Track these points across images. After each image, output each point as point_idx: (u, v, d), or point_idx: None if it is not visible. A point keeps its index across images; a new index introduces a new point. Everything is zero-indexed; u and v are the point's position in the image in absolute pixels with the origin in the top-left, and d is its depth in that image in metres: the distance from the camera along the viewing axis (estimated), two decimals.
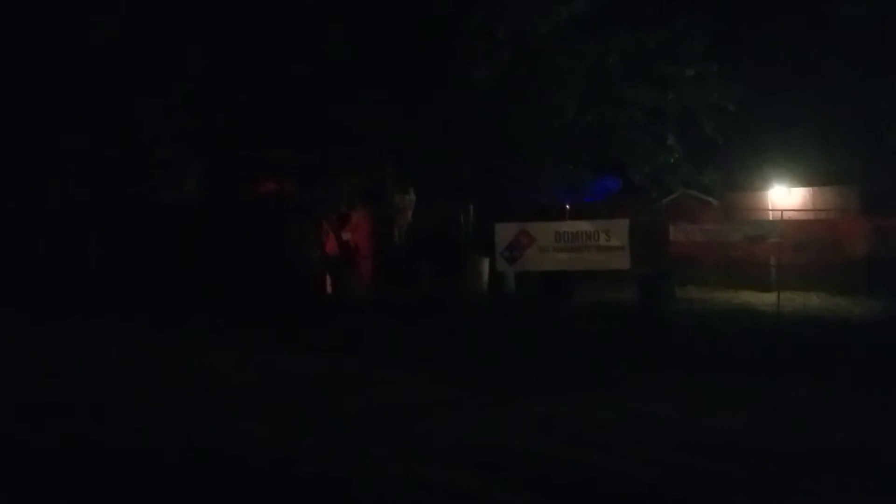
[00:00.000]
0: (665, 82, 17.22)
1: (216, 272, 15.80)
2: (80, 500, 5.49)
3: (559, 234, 15.87)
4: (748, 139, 19.43)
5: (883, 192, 16.92)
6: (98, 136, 16.27)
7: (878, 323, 13.40)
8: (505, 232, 16.20)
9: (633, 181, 19.50)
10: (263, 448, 6.48)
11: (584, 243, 15.68)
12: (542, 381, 9.16)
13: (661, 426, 7.08)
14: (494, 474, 5.82)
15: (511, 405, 7.94)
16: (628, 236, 15.46)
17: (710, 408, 7.77)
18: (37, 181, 16.50)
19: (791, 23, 18.28)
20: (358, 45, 15.78)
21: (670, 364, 9.95)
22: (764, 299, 15.76)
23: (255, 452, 6.35)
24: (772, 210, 17.97)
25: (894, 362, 9.71)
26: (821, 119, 18.45)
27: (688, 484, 5.62)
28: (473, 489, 5.51)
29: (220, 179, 17.56)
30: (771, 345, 11.50)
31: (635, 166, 18.54)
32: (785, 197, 18.78)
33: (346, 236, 17.38)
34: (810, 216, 17.35)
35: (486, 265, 16.97)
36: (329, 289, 16.73)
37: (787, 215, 16.42)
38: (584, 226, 15.85)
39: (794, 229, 15.69)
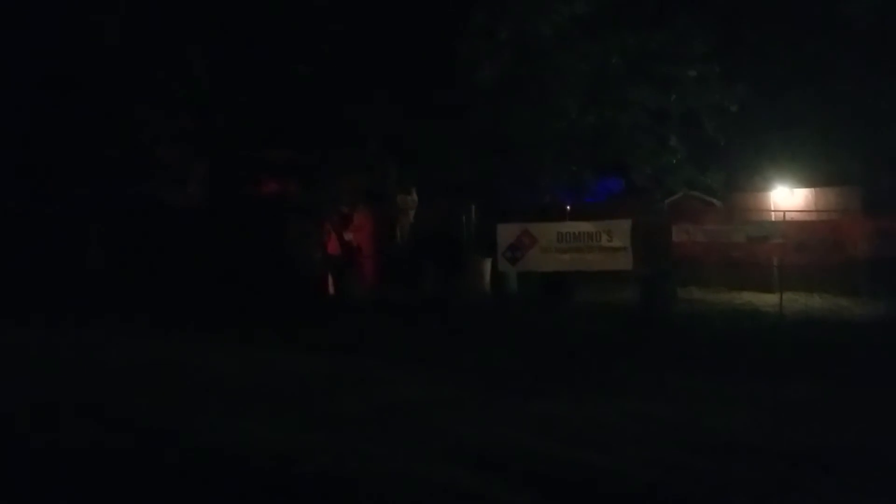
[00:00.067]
0: (667, 83, 17.21)
1: (218, 272, 15.81)
2: (80, 500, 5.49)
3: (561, 235, 15.90)
4: (750, 140, 19.40)
5: (885, 192, 16.88)
6: (99, 136, 16.28)
7: (880, 324, 13.35)
8: (507, 232, 16.22)
9: (635, 182, 19.48)
10: (264, 447, 6.48)
11: (587, 244, 15.70)
12: (543, 381, 9.15)
13: (662, 426, 7.07)
14: (495, 474, 5.82)
15: (512, 405, 7.94)
16: (630, 237, 15.47)
17: (711, 408, 7.76)
18: (38, 182, 16.50)
19: (793, 23, 18.25)
20: (360, 45, 15.79)
21: (672, 364, 9.94)
22: (766, 300, 15.73)
23: (255, 452, 6.35)
24: (774, 211, 17.92)
25: None
26: (823, 119, 18.41)
27: (688, 484, 5.61)
28: (474, 489, 5.51)
29: (222, 180, 17.57)
30: (773, 345, 11.48)
31: (637, 167, 18.53)
32: (787, 197, 18.73)
33: (348, 236, 17.39)
34: (813, 217, 17.31)
35: (487, 265, 16.98)
36: (331, 289, 16.74)
37: (789, 216, 16.36)
38: (586, 226, 15.86)
39: (797, 230, 15.64)
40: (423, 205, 18.98)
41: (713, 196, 19.46)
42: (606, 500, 5.44)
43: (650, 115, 17.57)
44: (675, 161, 18.02)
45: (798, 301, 15.55)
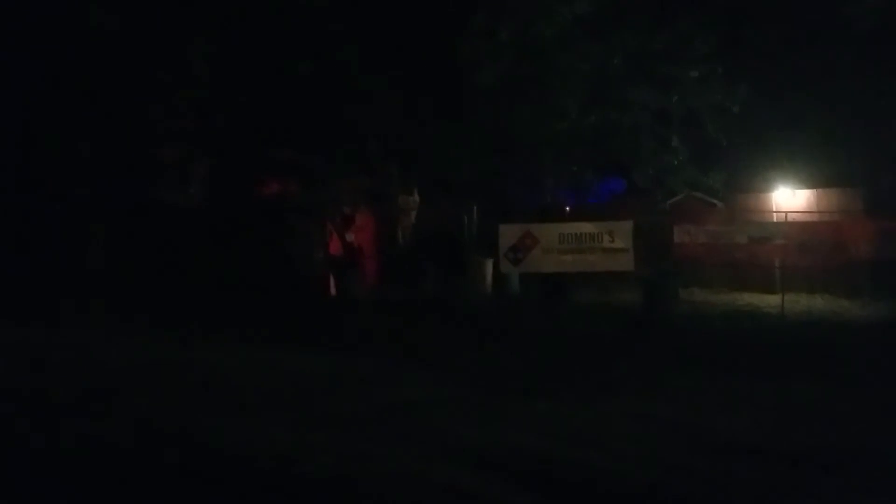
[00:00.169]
0: (669, 83, 17.21)
1: (220, 272, 15.81)
2: (81, 500, 5.50)
3: (563, 236, 15.92)
4: (752, 141, 19.38)
5: (887, 193, 16.86)
6: (100, 136, 16.29)
7: (882, 325, 13.34)
8: (509, 233, 16.24)
9: (636, 183, 19.49)
10: (265, 447, 6.48)
11: (588, 245, 15.73)
12: (544, 381, 9.14)
13: (663, 427, 7.06)
14: (495, 474, 5.82)
15: (513, 405, 7.94)
16: (632, 238, 15.48)
17: (712, 408, 7.76)
18: (38, 181, 16.51)
19: (794, 24, 18.24)
20: (361, 45, 15.80)
21: (673, 365, 9.94)
22: (768, 301, 15.73)
23: (256, 451, 6.36)
24: (776, 212, 17.91)
25: None
26: (825, 120, 18.40)
27: (688, 484, 5.61)
28: (474, 489, 5.51)
29: (224, 180, 17.58)
30: (774, 346, 11.47)
31: (639, 168, 18.53)
32: (789, 198, 18.71)
33: (349, 237, 17.42)
34: (815, 218, 17.30)
35: (489, 266, 16.99)
36: (332, 289, 16.76)
37: (791, 217, 16.35)
38: (588, 227, 15.90)
39: (799, 231, 15.63)
40: (425, 205, 18.99)
41: (715, 197, 19.45)
42: (607, 501, 5.43)
43: (652, 116, 17.57)
44: (676, 162, 18.02)
45: (800, 302, 15.55)
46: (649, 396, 8.24)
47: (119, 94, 15.94)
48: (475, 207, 18.29)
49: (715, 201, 19.66)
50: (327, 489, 5.63)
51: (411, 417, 7.43)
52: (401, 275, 17.95)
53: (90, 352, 11.02)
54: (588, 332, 12.86)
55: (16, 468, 6.13)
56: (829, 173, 18.54)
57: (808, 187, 18.79)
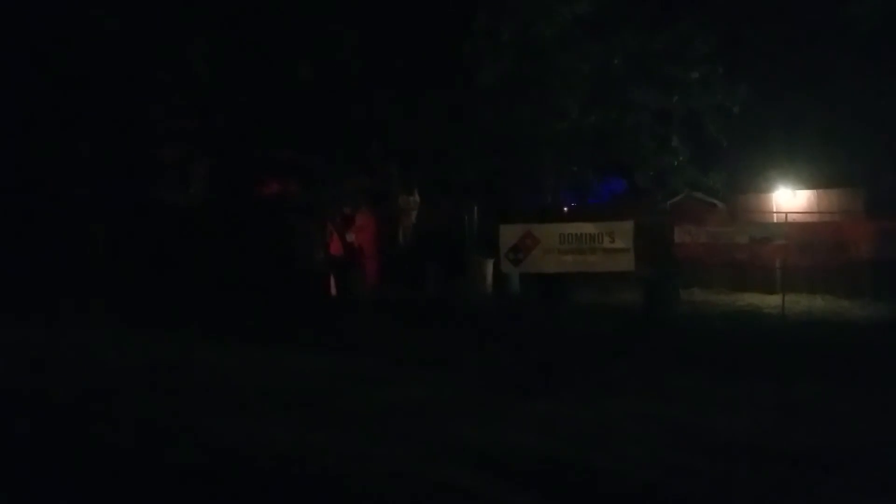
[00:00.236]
0: (669, 84, 17.19)
1: (220, 272, 15.83)
2: (81, 499, 5.50)
3: (564, 236, 15.92)
4: (753, 141, 19.38)
5: (888, 193, 16.83)
6: (101, 136, 16.30)
7: (883, 325, 13.34)
8: (509, 233, 16.24)
9: (637, 183, 19.48)
10: (266, 447, 6.49)
11: (589, 245, 15.72)
12: (545, 381, 9.15)
13: (663, 427, 7.06)
14: (496, 474, 5.83)
15: (514, 406, 7.94)
16: (633, 238, 15.48)
17: (713, 409, 7.75)
18: (39, 181, 16.52)
19: (795, 24, 18.24)
20: (362, 45, 15.79)
21: (673, 365, 9.94)
22: (769, 301, 15.74)
23: (257, 452, 6.37)
24: (777, 212, 17.90)
25: None
26: (825, 121, 18.40)
27: (689, 484, 5.61)
28: (474, 489, 5.52)
29: (224, 180, 17.58)
30: (775, 346, 11.46)
31: (640, 168, 18.52)
32: (790, 199, 18.71)
33: (350, 237, 17.43)
34: (815, 218, 17.29)
35: (490, 266, 17.00)
36: (333, 289, 16.77)
37: (792, 217, 16.33)
38: (588, 228, 15.89)
39: (800, 231, 15.61)
40: (426, 205, 18.99)
41: (715, 197, 19.45)
42: (607, 501, 5.44)
43: (652, 116, 17.56)
44: (676, 162, 17.99)
45: (800, 302, 15.55)
46: (650, 396, 8.24)
47: (119, 94, 15.93)
48: (475, 207, 18.29)
49: (715, 201, 19.66)
50: (328, 489, 5.64)
51: (412, 417, 7.44)
52: (401, 275, 17.96)
53: (90, 352, 11.05)
54: (588, 332, 12.87)
55: (16, 468, 6.13)
56: (829, 173, 18.53)
57: (809, 187, 18.79)
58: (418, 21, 15.58)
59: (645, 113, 17.30)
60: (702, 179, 18.64)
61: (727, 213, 19.04)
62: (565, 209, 19.27)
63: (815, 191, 18.68)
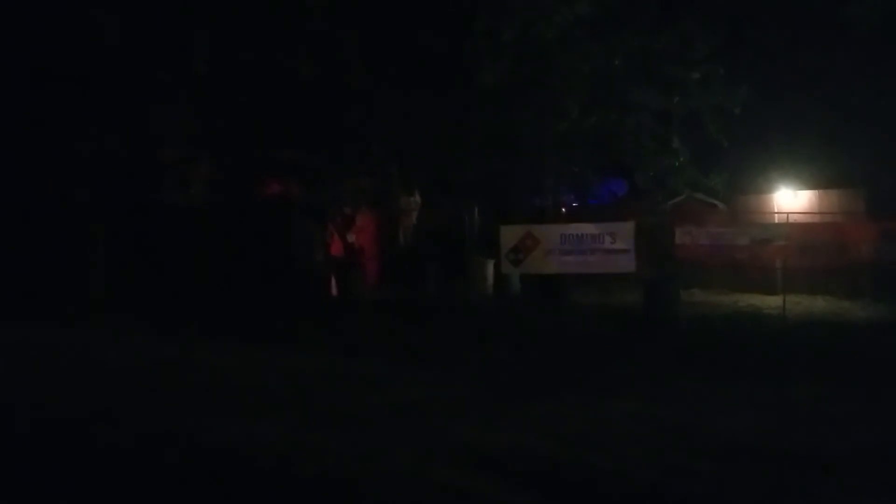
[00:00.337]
0: (670, 84, 17.19)
1: (222, 273, 15.82)
2: (81, 499, 5.51)
3: (564, 237, 15.89)
4: (753, 142, 19.37)
5: (889, 194, 16.83)
6: (102, 136, 16.29)
7: (883, 326, 13.33)
8: (510, 234, 16.22)
9: (638, 184, 19.48)
10: (268, 448, 6.49)
11: (590, 246, 15.69)
12: (545, 382, 9.15)
13: (664, 428, 7.06)
14: (496, 474, 5.82)
15: (514, 406, 7.95)
16: (634, 239, 15.47)
17: (713, 410, 7.76)
18: (40, 182, 16.51)
19: (796, 25, 18.25)
20: (363, 46, 15.80)
21: (674, 366, 9.94)
22: (769, 302, 15.73)
23: (259, 452, 6.37)
24: (777, 213, 17.91)
25: None
26: (826, 121, 18.40)
27: (689, 485, 5.61)
28: (474, 489, 5.52)
29: (225, 180, 17.57)
30: (775, 347, 11.46)
31: (641, 169, 18.52)
32: (791, 200, 18.72)
33: (351, 238, 17.43)
34: (816, 219, 17.29)
35: (490, 267, 17.00)
36: (334, 290, 16.76)
37: (792, 218, 16.34)
38: (589, 228, 15.87)
39: (800, 232, 15.61)
40: (426, 206, 18.99)
41: (716, 198, 19.46)
42: (607, 501, 5.44)
43: (653, 117, 17.56)
44: (677, 163, 18.00)
45: (801, 303, 15.54)
46: (650, 397, 8.24)
47: (120, 94, 15.93)
48: (476, 208, 18.29)
49: (716, 202, 19.67)
50: (328, 489, 5.64)
51: (412, 417, 7.44)
52: (402, 275, 17.97)
53: (89, 352, 11.04)
54: (589, 332, 12.87)
55: (16, 468, 6.13)
56: (830, 174, 18.54)
57: (810, 188, 18.80)
58: (419, 21, 15.58)
59: (645, 113, 17.30)
60: (702, 180, 18.65)
61: (728, 214, 19.06)
62: (563, 209, 19.25)
63: (815, 191, 18.69)
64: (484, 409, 7.84)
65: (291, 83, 16.02)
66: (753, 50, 18.52)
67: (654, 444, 6.55)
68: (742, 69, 17.47)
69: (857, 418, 7.44)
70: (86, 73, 15.62)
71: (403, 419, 7.39)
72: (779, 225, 16.51)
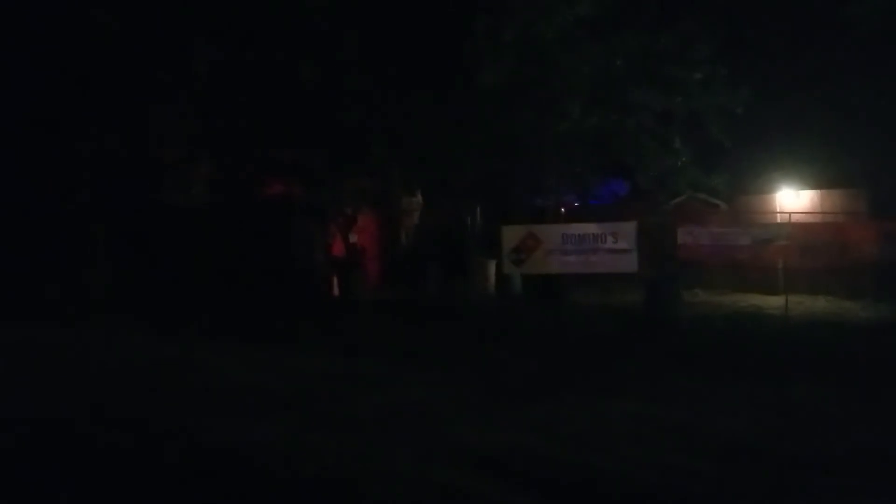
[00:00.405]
0: (672, 85, 17.16)
1: (223, 274, 15.83)
2: (82, 498, 5.51)
3: (566, 237, 15.88)
4: (755, 142, 19.36)
5: (890, 194, 16.83)
6: (103, 137, 16.30)
7: (885, 327, 13.31)
8: (511, 234, 16.20)
9: (639, 184, 19.46)
10: (267, 448, 6.50)
11: (592, 246, 15.68)
12: (546, 383, 9.15)
13: (665, 428, 7.06)
14: (496, 475, 5.83)
15: (514, 407, 7.94)
16: (636, 239, 15.46)
17: (714, 410, 7.75)
18: (41, 182, 16.53)
19: (797, 26, 18.24)
20: (364, 47, 15.80)
21: (675, 366, 9.93)
22: (771, 302, 15.72)
23: (259, 452, 6.38)
24: (779, 213, 17.90)
25: None
26: (828, 122, 18.38)
27: (689, 485, 5.61)
28: (475, 489, 5.52)
29: (227, 181, 17.58)
30: (777, 348, 11.44)
31: (642, 169, 18.49)
32: (792, 200, 18.73)
33: (352, 238, 17.43)
34: (818, 219, 17.28)
35: (492, 267, 17.00)
36: (336, 290, 16.78)
37: (794, 218, 16.34)
38: (591, 228, 15.85)
39: (802, 232, 15.61)
40: (428, 206, 18.99)
41: (718, 198, 19.44)
42: (607, 502, 5.44)
43: (654, 117, 17.53)
44: (679, 163, 17.96)
45: (803, 303, 15.53)
46: (651, 397, 8.24)
47: (120, 94, 15.94)
48: (478, 208, 18.29)
49: (718, 202, 19.66)
50: (327, 489, 5.64)
51: (412, 418, 7.44)
52: (403, 276, 17.98)
53: (89, 351, 11.06)
54: (590, 332, 12.86)
55: (15, 467, 6.15)
56: (832, 174, 18.53)
57: (812, 188, 18.80)
58: (419, 22, 15.57)
59: (647, 114, 17.26)
60: (704, 180, 18.61)
61: (730, 214, 19.05)
62: (562, 210, 19.24)
63: (817, 192, 18.70)
64: (484, 409, 7.84)
65: (292, 83, 16.02)
66: (755, 50, 18.51)
67: (655, 444, 6.55)
68: (744, 69, 17.43)
69: (857, 418, 7.43)
70: (86, 73, 15.63)
71: (404, 419, 7.39)
72: (780, 225, 16.51)
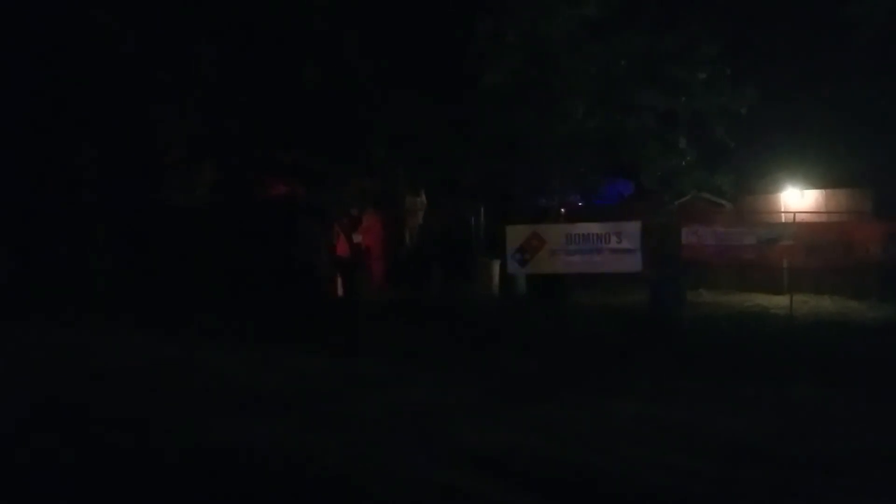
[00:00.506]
0: (676, 85, 17.15)
1: (227, 274, 15.86)
2: (83, 499, 5.53)
3: (570, 237, 15.83)
4: (760, 142, 19.34)
5: None
6: (107, 138, 16.35)
7: (890, 327, 13.27)
8: (515, 234, 16.17)
9: (644, 184, 19.45)
10: (267, 448, 6.51)
11: (596, 246, 15.64)
12: (548, 383, 9.15)
13: (667, 429, 7.05)
14: (499, 476, 5.84)
15: (517, 408, 7.95)
16: (640, 239, 15.43)
17: (717, 411, 7.75)
18: (44, 183, 16.59)
19: (801, 26, 18.21)
20: (369, 48, 15.82)
21: (679, 367, 9.91)
22: (776, 302, 15.67)
23: (258, 452, 6.38)
24: (784, 213, 17.86)
25: None
26: (833, 121, 18.35)
27: (690, 486, 5.61)
28: (476, 489, 5.53)
29: (231, 181, 17.62)
30: (781, 348, 11.39)
31: (647, 169, 18.48)
32: (797, 199, 18.67)
33: (357, 238, 17.35)
34: (823, 219, 17.23)
35: (496, 267, 16.97)
36: (340, 290, 16.76)
37: (799, 218, 16.29)
38: (595, 228, 15.81)
39: (807, 232, 15.55)
40: (432, 207, 18.99)
41: (722, 198, 19.41)
42: (607, 502, 5.44)
43: (658, 118, 17.52)
44: (684, 163, 17.96)
45: (808, 303, 15.48)
46: (653, 398, 8.23)
47: (124, 95, 15.98)
48: (482, 209, 18.29)
49: (723, 202, 19.62)
50: (328, 489, 5.65)
51: (414, 419, 7.45)
52: (408, 276, 17.96)
53: (91, 352, 11.09)
54: (593, 333, 12.83)
55: (16, 467, 6.16)
56: (837, 174, 18.49)
57: (817, 188, 18.74)
58: (423, 23, 15.59)
59: (651, 114, 17.26)
60: (709, 180, 18.62)
61: (734, 214, 19.00)
62: (571, 210, 19.22)
63: (822, 191, 18.64)
64: (486, 409, 7.84)
65: (296, 84, 16.05)
66: (759, 50, 18.48)
67: (656, 444, 6.55)
68: (748, 70, 17.43)
69: (860, 419, 7.42)
70: (87, 73, 15.67)
71: (406, 420, 7.39)
72: (785, 225, 16.46)
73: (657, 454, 6.25)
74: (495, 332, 12.83)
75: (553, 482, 5.71)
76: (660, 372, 9.59)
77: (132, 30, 15.57)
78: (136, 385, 9.06)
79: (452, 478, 5.74)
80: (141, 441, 6.80)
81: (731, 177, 18.61)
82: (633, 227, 15.52)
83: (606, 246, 15.60)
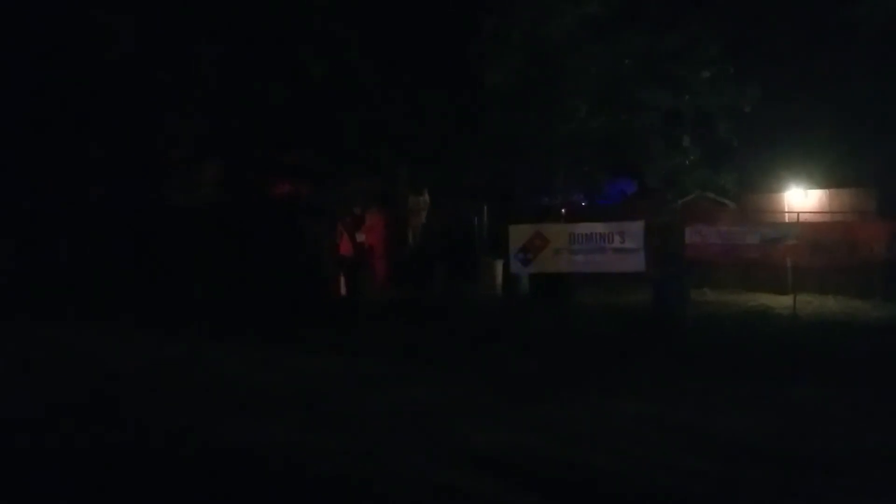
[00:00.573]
0: (680, 85, 17.15)
1: (231, 273, 15.86)
2: (86, 499, 5.53)
3: (573, 236, 15.83)
4: (764, 141, 19.30)
5: None
6: (110, 138, 16.37)
7: (894, 326, 13.23)
8: (519, 234, 16.16)
9: (648, 183, 19.44)
10: (270, 447, 6.51)
11: (599, 245, 15.62)
12: (553, 383, 9.13)
13: (668, 429, 7.04)
14: (500, 476, 5.83)
15: (518, 407, 7.93)
16: (643, 238, 15.40)
17: (718, 410, 7.72)
18: (46, 183, 16.62)
19: (804, 26, 18.17)
20: (373, 48, 15.82)
21: (682, 366, 9.89)
22: (780, 302, 15.63)
23: (260, 452, 6.39)
24: (788, 212, 17.82)
25: None
26: (836, 121, 18.30)
27: (691, 486, 5.59)
28: (477, 489, 5.52)
29: (235, 181, 17.63)
30: (785, 348, 11.36)
31: (650, 168, 18.48)
32: (801, 199, 18.63)
33: (360, 238, 17.40)
34: (827, 218, 17.19)
35: (499, 267, 16.97)
36: (343, 290, 16.77)
37: (803, 217, 16.26)
38: (598, 227, 15.79)
39: (811, 231, 15.53)
40: (435, 206, 18.99)
41: (727, 197, 19.38)
42: (608, 502, 5.43)
43: (662, 117, 17.51)
44: (688, 162, 17.96)
45: (812, 303, 15.44)
46: (655, 398, 8.21)
47: (129, 95, 16.01)
48: (485, 208, 18.29)
49: (726, 201, 19.59)
50: (329, 488, 5.65)
51: (416, 418, 7.44)
52: (411, 275, 17.97)
53: (95, 351, 11.11)
54: (596, 332, 12.82)
55: (18, 467, 6.17)
56: (841, 174, 18.45)
57: (821, 188, 18.70)
58: (425, 22, 15.59)
59: (654, 113, 17.26)
60: (713, 179, 18.61)
61: (738, 213, 18.97)
62: (574, 209, 19.21)
63: (826, 191, 18.60)
64: (487, 409, 7.83)
65: (300, 84, 16.06)
66: (761, 50, 18.45)
67: (656, 444, 6.53)
68: (751, 69, 17.42)
69: (863, 419, 7.39)
70: (87, 73, 15.69)
71: (408, 420, 7.39)
72: (789, 224, 16.43)
73: (658, 454, 6.23)
74: (497, 332, 12.83)
75: (553, 482, 5.70)
76: (662, 371, 9.57)
77: (132, 30, 15.58)
78: (136, 385, 9.07)
79: (453, 477, 5.74)
80: (141, 441, 6.81)
81: (734, 176, 18.60)
82: (637, 227, 15.50)
83: (609, 245, 15.58)
